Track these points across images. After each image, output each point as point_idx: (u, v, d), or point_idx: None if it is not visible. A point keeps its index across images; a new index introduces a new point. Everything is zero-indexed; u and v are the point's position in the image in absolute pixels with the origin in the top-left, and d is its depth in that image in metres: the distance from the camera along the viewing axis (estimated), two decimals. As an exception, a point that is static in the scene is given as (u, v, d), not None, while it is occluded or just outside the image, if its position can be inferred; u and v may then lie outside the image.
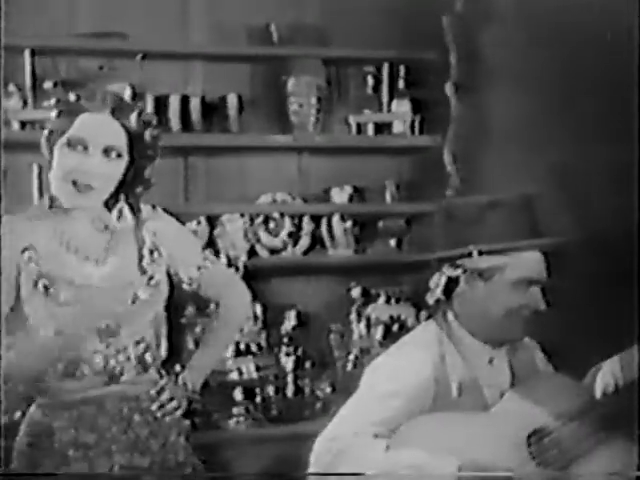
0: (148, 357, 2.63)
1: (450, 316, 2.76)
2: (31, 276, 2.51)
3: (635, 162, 3.46)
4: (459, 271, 2.73)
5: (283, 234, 4.12)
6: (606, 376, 3.20)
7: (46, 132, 2.56)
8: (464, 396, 2.66)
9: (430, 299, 2.79)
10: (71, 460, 2.53)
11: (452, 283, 2.75)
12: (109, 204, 2.61)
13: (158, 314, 2.66)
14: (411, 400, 2.62)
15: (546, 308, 2.74)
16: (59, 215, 2.57)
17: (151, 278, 2.61)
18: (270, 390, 3.92)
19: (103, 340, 2.56)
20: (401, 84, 4.19)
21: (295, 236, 4.13)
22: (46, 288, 2.50)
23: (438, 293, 2.76)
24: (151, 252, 2.64)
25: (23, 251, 2.52)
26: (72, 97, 2.55)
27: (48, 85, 3.78)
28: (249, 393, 3.87)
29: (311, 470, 2.60)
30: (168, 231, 2.69)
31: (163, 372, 2.68)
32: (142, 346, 2.61)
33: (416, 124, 4.18)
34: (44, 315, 2.51)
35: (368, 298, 4.17)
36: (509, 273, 2.71)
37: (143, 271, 2.62)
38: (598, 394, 2.74)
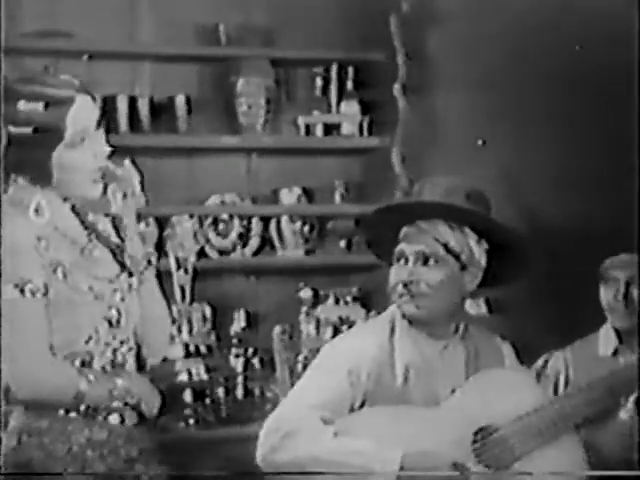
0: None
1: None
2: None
3: (635, 162, 3.48)
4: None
5: (232, 235, 4.11)
6: (557, 362, 3.22)
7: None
8: (414, 387, 2.63)
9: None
10: (89, 461, 2.40)
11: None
12: None
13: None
14: (355, 382, 2.58)
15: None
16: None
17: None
18: (220, 391, 3.90)
19: (110, 332, 2.45)
20: (349, 85, 4.21)
21: (244, 237, 4.12)
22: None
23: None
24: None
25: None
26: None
27: (-8, 85, 3.74)
28: (199, 395, 3.85)
29: (259, 450, 2.56)
30: None
31: None
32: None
33: (365, 125, 4.19)
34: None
35: (317, 299, 4.18)
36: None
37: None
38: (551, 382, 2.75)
